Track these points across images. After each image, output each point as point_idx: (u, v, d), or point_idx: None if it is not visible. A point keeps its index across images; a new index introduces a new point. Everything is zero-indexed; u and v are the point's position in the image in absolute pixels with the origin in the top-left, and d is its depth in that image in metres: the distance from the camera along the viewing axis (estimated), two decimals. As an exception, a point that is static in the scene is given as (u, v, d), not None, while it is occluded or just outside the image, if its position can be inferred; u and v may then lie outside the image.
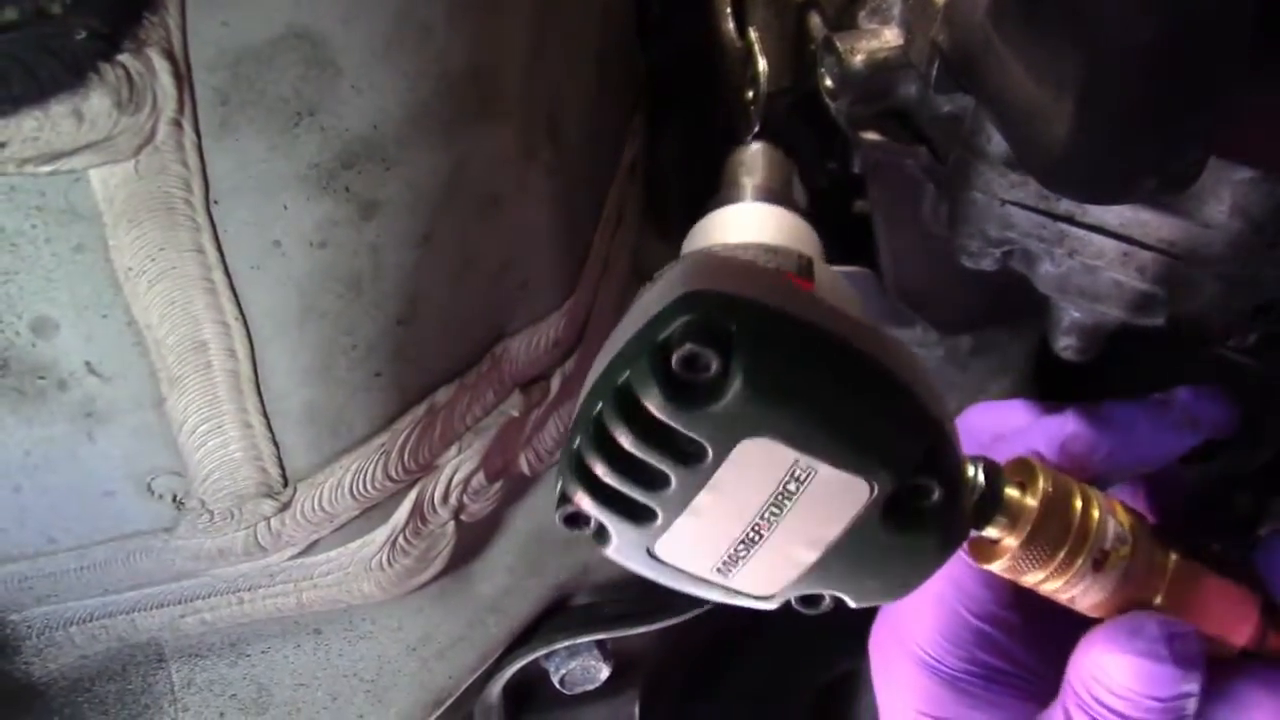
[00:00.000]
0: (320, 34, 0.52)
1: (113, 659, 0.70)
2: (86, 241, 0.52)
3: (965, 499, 0.45)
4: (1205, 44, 0.40)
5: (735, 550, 0.44)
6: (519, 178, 0.65)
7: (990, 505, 0.51)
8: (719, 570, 0.45)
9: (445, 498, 0.71)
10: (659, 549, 0.45)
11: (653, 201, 0.93)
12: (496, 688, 0.78)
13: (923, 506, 0.43)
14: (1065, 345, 0.63)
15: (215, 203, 0.54)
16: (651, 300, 0.43)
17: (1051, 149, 0.46)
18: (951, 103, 0.59)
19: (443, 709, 0.75)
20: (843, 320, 0.42)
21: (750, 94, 0.76)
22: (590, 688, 0.82)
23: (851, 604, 0.47)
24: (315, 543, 0.67)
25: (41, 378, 0.55)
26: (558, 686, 0.81)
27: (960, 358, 0.92)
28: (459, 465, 0.71)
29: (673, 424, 0.40)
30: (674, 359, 0.39)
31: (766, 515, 0.42)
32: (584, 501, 0.43)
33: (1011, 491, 0.52)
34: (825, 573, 0.45)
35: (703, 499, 0.42)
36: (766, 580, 0.45)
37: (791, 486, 0.41)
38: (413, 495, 0.69)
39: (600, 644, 0.79)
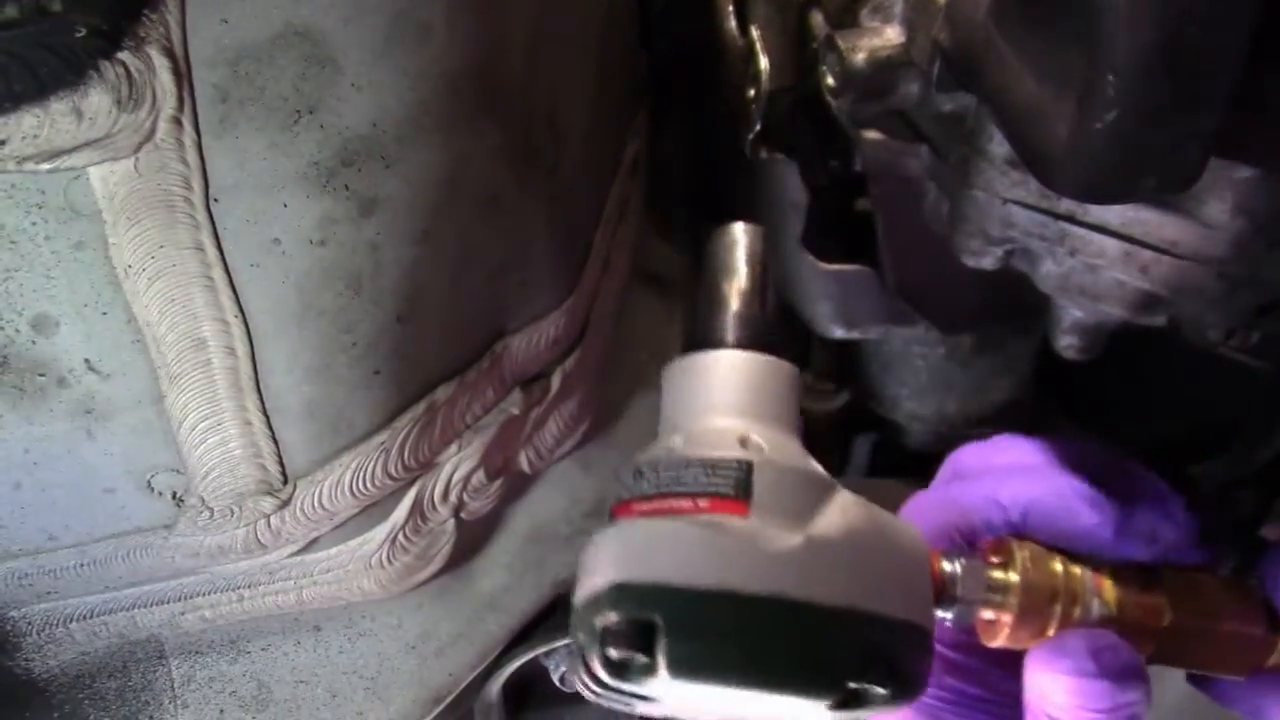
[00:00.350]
0: (320, 32, 0.52)
1: (113, 655, 0.70)
2: (86, 239, 0.52)
3: (915, 666, 0.48)
4: (1207, 43, 0.40)
5: (729, 715, 0.49)
6: (519, 176, 0.65)
7: (973, 602, 0.53)
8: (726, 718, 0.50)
9: (445, 495, 0.71)
10: (667, 712, 0.49)
11: (654, 199, 0.93)
12: (496, 685, 0.78)
13: (870, 695, 0.46)
14: (1067, 344, 0.63)
15: (215, 200, 0.54)
16: (601, 549, 0.47)
17: (1053, 148, 0.45)
18: (953, 101, 0.59)
19: (442, 706, 0.75)
20: (762, 562, 0.45)
21: (751, 92, 0.76)
22: (590, 686, 0.82)
23: None
24: (315, 540, 0.67)
25: (41, 375, 0.55)
26: (557, 684, 0.80)
27: (961, 356, 0.92)
28: (459, 463, 0.71)
29: (622, 688, 0.45)
30: (609, 651, 0.44)
31: (739, 706, 0.47)
32: (593, 684, 0.47)
33: (995, 574, 0.53)
34: None
35: (676, 702, 0.47)
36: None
37: (745, 701, 0.46)
38: (412, 493, 0.69)
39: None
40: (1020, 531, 0.57)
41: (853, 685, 0.45)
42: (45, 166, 0.50)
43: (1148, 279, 0.56)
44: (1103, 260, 0.56)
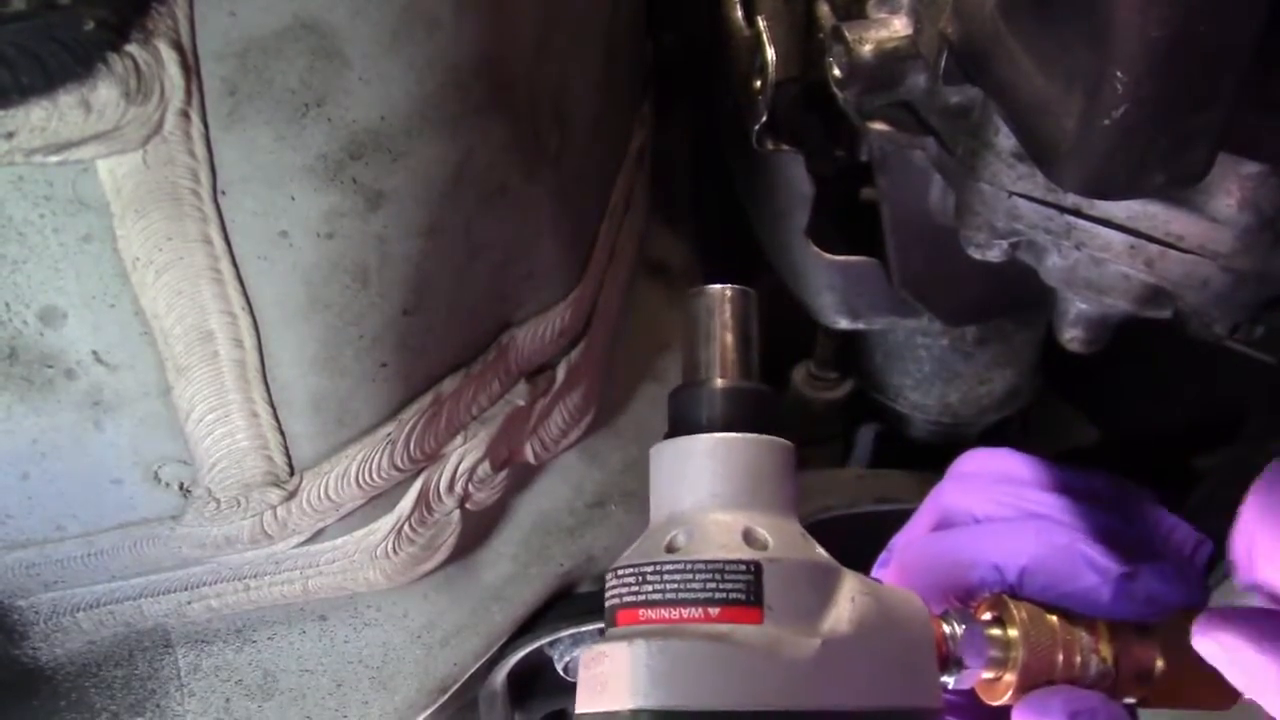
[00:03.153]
0: (328, 25, 0.52)
1: (120, 644, 0.70)
2: (94, 231, 0.53)
3: None
4: (1215, 40, 0.40)
5: None
6: (526, 168, 0.65)
7: (978, 661, 0.53)
8: None
9: (450, 487, 0.71)
10: None
11: (660, 188, 0.93)
12: (501, 675, 0.79)
13: None
14: (1071, 337, 0.63)
15: (222, 193, 0.54)
16: (608, 675, 0.46)
17: (1060, 143, 0.45)
18: (960, 94, 0.59)
19: (447, 696, 0.76)
20: (779, 677, 0.44)
21: (758, 83, 0.76)
22: (594, 675, 0.82)
23: None
24: (321, 531, 0.68)
25: (49, 366, 0.56)
26: (561, 674, 0.81)
27: (965, 348, 0.92)
28: (464, 454, 0.71)
29: None
30: None
31: None
32: None
33: (994, 632, 0.54)
34: None
35: None
36: None
37: None
38: (418, 484, 0.69)
39: (604, 632, 0.79)
40: (1016, 592, 0.57)
41: None
42: (53, 159, 0.50)
43: (1153, 273, 0.56)
44: (1108, 254, 0.56)
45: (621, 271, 0.83)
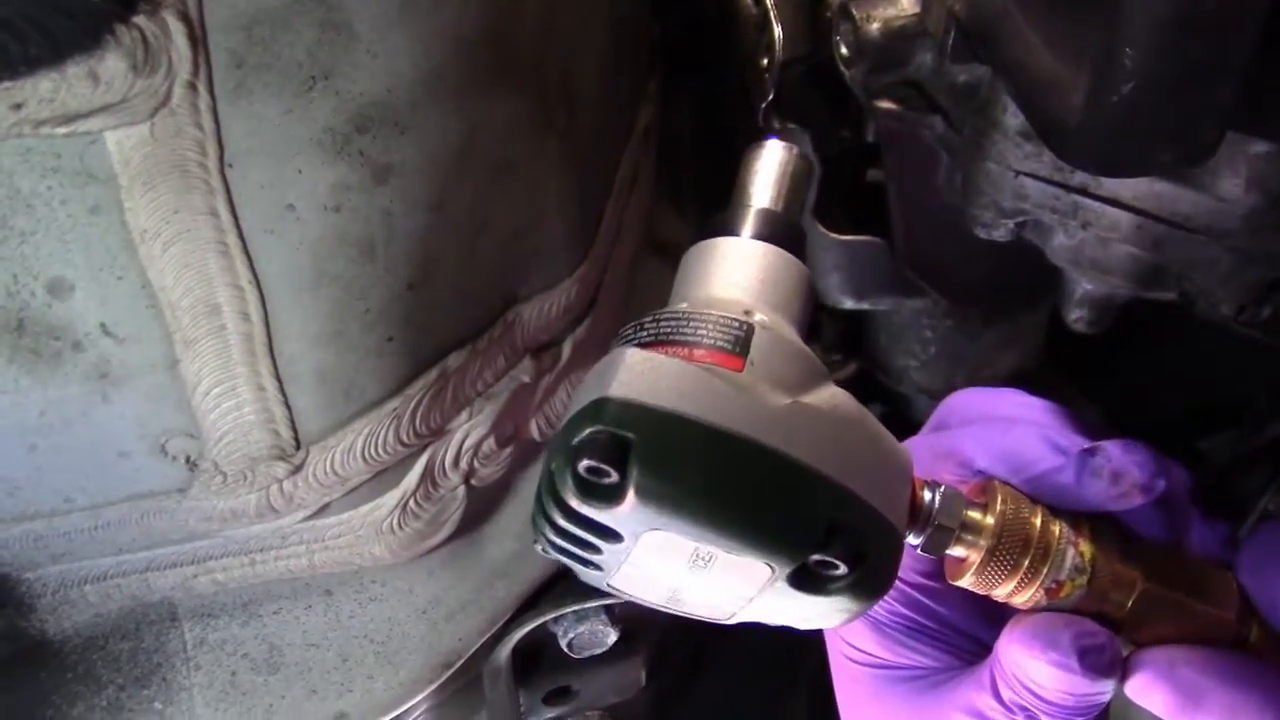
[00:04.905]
0: (335, -3, 0.52)
1: (126, 617, 0.71)
2: (102, 203, 0.53)
3: (881, 560, 0.48)
4: (1225, 16, 0.40)
5: (675, 594, 0.49)
6: (533, 144, 0.65)
7: (946, 530, 0.53)
8: (669, 603, 0.51)
9: (456, 462, 0.71)
10: (614, 584, 0.50)
11: (666, 166, 0.93)
12: (505, 650, 0.79)
13: (830, 576, 0.46)
14: (1077, 317, 0.63)
15: (229, 166, 0.54)
16: (592, 378, 0.48)
17: (1067, 121, 0.45)
18: (967, 72, 0.59)
19: (451, 671, 0.76)
20: (749, 409, 0.46)
21: (765, 61, 0.76)
22: (598, 652, 0.82)
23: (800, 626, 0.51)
24: (327, 505, 0.68)
25: (57, 339, 0.56)
26: (565, 650, 0.81)
27: (970, 328, 0.92)
28: (470, 430, 0.71)
29: (587, 513, 0.44)
30: (580, 465, 0.44)
31: (689, 577, 0.47)
32: (545, 544, 0.48)
33: (972, 513, 0.53)
34: (760, 612, 0.50)
35: (631, 563, 0.47)
36: (711, 610, 0.51)
37: (700, 563, 0.46)
38: (424, 459, 0.70)
39: (608, 609, 0.80)
40: (988, 478, 0.57)
41: (815, 557, 0.46)
42: (61, 130, 0.50)
43: (1160, 253, 0.56)
44: (1115, 234, 0.56)
45: (627, 249, 0.83)
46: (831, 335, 1.02)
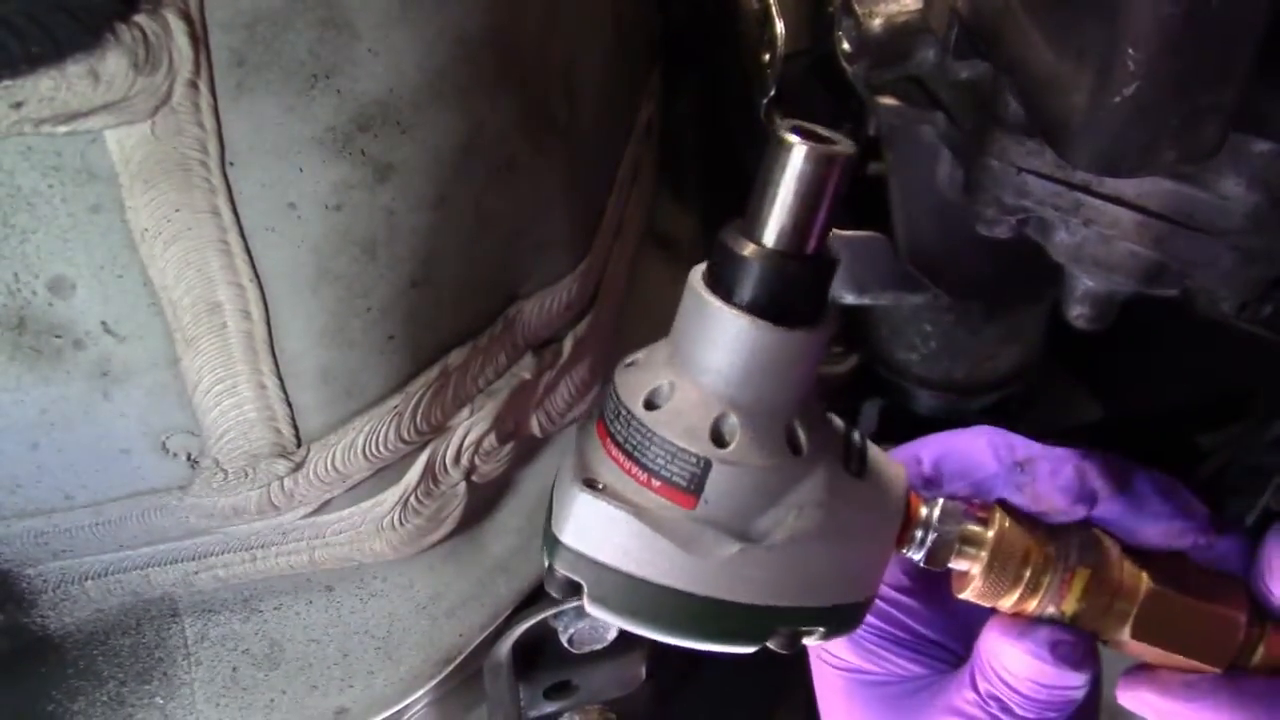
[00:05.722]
0: (337, -4, 0.52)
1: (127, 613, 0.71)
2: (103, 202, 0.53)
3: (839, 625, 0.52)
4: (1229, 16, 0.40)
5: None
6: (534, 141, 0.65)
7: (945, 543, 0.54)
8: None
9: (457, 459, 0.71)
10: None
11: (668, 161, 0.93)
12: (505, 646, 0.79)
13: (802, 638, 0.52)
14: (1078, 314, 0.63)
15: (231, 164, 0.54)
16: (557, 488, 0.51)
17: (1070, 120, 0.45)
18: (969, 69, 0.59)
19: (452, 666, 0.76)
20: (690, 566, 0.48)
21: (766, 56, 0.75)
22: (598, 647, 0.82)
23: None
24: (328, 502, 0.68)
25: (58, 336, 0.56)
26: (566, 645, 0.81)
27: (971, 323, 0.92)
28: (471, 427, 0.71)
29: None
30: (549, 583, 0.50)
31: None
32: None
33: (972, 527, 0.54)
34: None
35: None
36: None
37: None
38: (424, 456, 0.70)
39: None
40: (932, 483, 0.59)
41: (773, 642, 0.50)
42: (62, 129, 0.50)
43: (1161, 250, 0.56)
44: (1116, 231, 0.56)
45: (629, 245, 0.83)
46: (833, 328, 1.02)
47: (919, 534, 0.53)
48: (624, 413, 0.49)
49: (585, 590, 0.49)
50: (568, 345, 0.76)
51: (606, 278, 0.79)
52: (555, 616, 0.80)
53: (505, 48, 0.59)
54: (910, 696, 0.59)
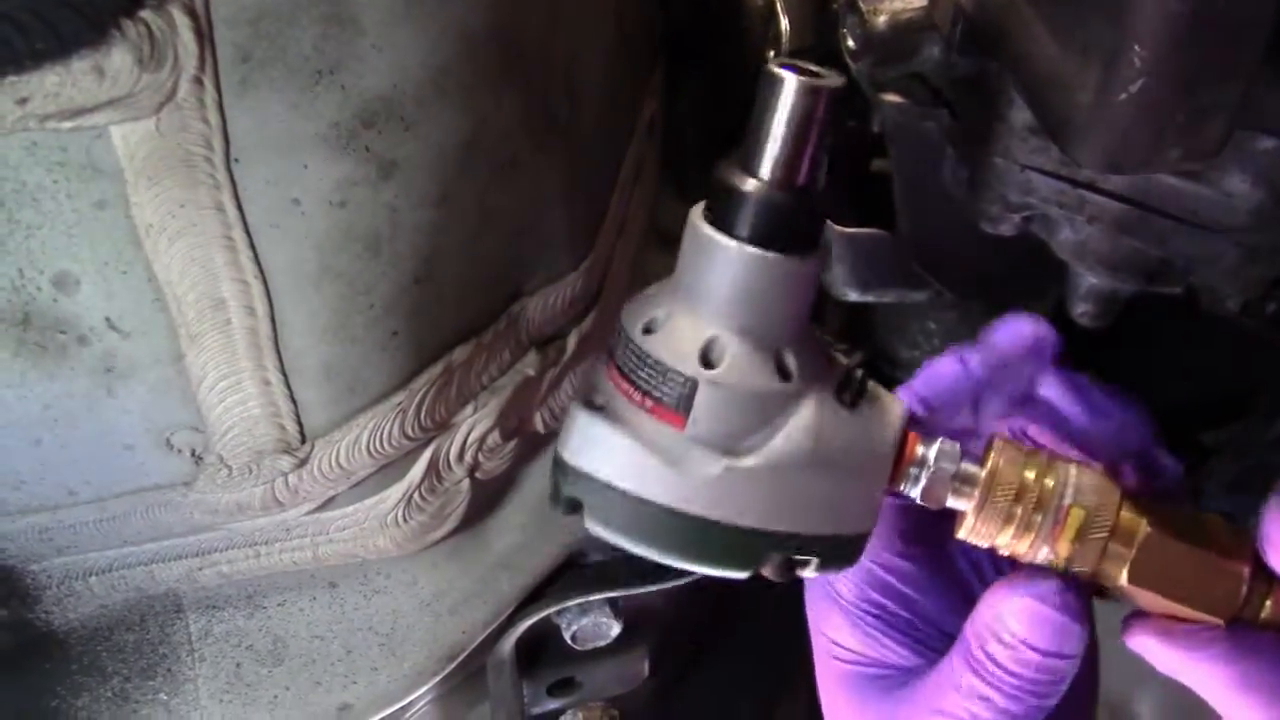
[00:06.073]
0: (341, -8, 0.52)
1: (131, 609, 0.71)
2: (108, 198, 0.53)
3: (834, 556, 0.53)
4: (1234, 15, 0.40)
5: None
6: (537, 138, 0.65)
7: (941, 481, 0.53)
8: None
9: (461, 455, 0.71)
10: None
11: (671, 158, 0.93)
12: (509, 643, 0.79)
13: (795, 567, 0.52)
14: (1082, 311, 0.63)
15: (235, 161, 0.54)
16: (568, 418, 0.52)
17: (1075, 117, 0.45)
18: (974, 66, 0.59)
19: (455, 663, 0.76)
20: (677, 483, 0.50)
21: (771, 53, 0.75)
22: (601, 644, 0.83)
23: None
24: (332, 498, 0.68)
25: (62, 332, 0.56)
26: (569, 642, 0.81)
27: (975, 321, 0.91)
28: (475, 424, 0.71)
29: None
30: (556, 498, 0.52)
31: None
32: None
33: (968, 465, 0.54)
34: None
35: None
36: None
37: None
38: (428, 453, 0.70)
39: (612, 602, 0.80)
40: (924, 402, 0.60)
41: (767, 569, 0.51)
42: (67, 125, 0.50)
43: (1165, 248, 0.56)
44: (1121, 228, 0.56)
45: (632, 242, 0.83)
46: (836, 325, 1.02)
47: (914, 472, 0.53)
48: (624, 337, 0.51)
49: (585, 507, 0.50)
50: (571, 342, 0.76)
51: (610, 275, 0.79)
52: (558, 613, 0.80)
53: (508, 45, 0.59)
54: (907, 688, 0.58)
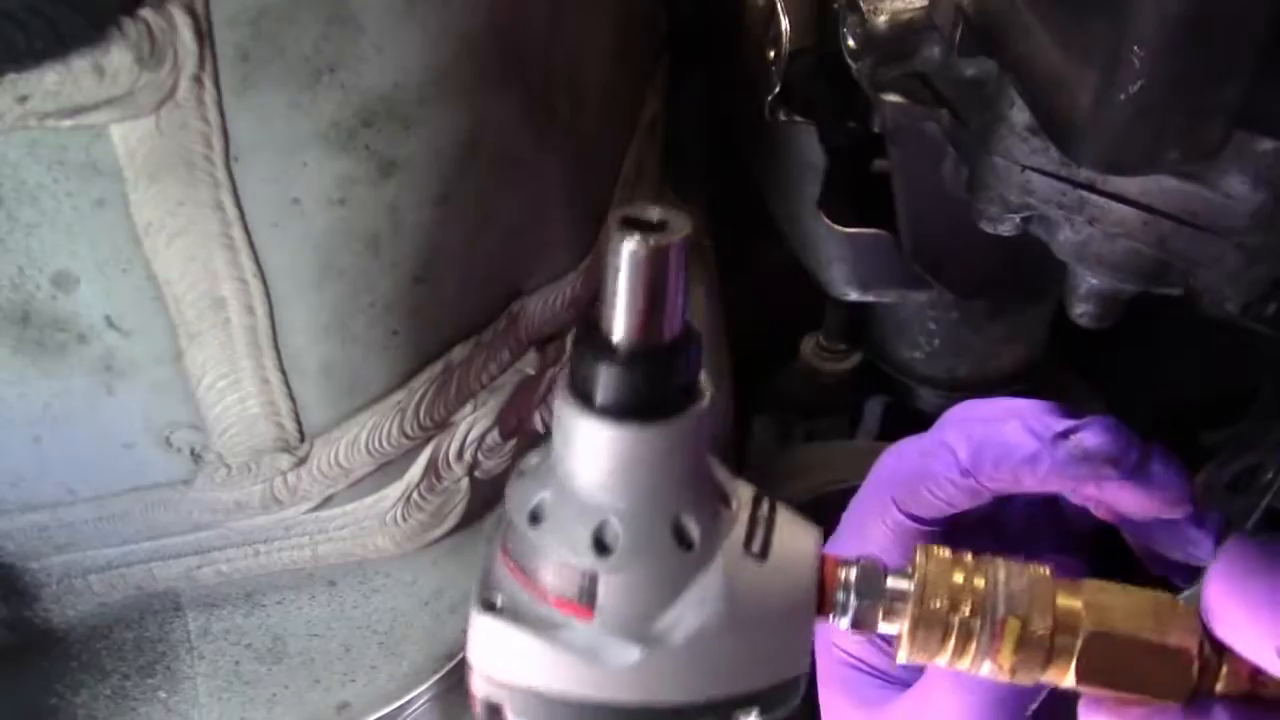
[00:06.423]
0: (342, -9, 0.52)
1: (130, 607, 0.71)
2: (107, 196, 0.53)
3: (775, 704, 0.51)
4: (1234, 16, 0.40)
5: None
6: (538, 138, 0.65)
7: (870, 604, 0.51)
8: None
9: (460, 454, 0.71)
10: None
11: (671, 159, 0.93)
12: (508, 642, 0.79)
13: None
14: (1082, 312, 0.63)
15: (235, 160, 0.54)
16: (471, 622, 0.49)
17: (1075, 118, 0.45)
18: (975, 66, 0.59)
19: (454, 662, 0.76)
20: (595, 678, 0.47)
21: (772, 53, 0.75)
22: (599, 643, 0.82)
23: None
24: (331, 497, 0.68)
25: (62, 331, 0.56)
26: (568, 641, 0.81)
27: (975, 321, 0.92)
28: (474, 423, 0.71)
29: None
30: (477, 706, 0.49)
31: None
32: None
33: (896, 582, 0.51)
34: None
35: None
36: None
37: None
38: (428, 452, 0.70)
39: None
40: (971, 473, 0.57)
41: None
42: (67, 123, 0.50)
43: (1166, 249, 0.56)
44: (1121, 229, 0.56)
45: (632, 241, 0.83)
46: (836, 325, 1.02)
47: (840, 598, 0.50)
48: (512, 526, 0.48)
49: (507, 711, 0.48)
50: (571, 341, 0.76)
51: (610, 274, 0.79)
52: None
53: (509, 44, 0.59)
54: (904, 689, 0.58)
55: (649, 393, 0.45)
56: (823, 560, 0.51)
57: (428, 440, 0.69)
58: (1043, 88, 0.48)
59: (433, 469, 0.70)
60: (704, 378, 0.47)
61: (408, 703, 0.76)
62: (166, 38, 0.49)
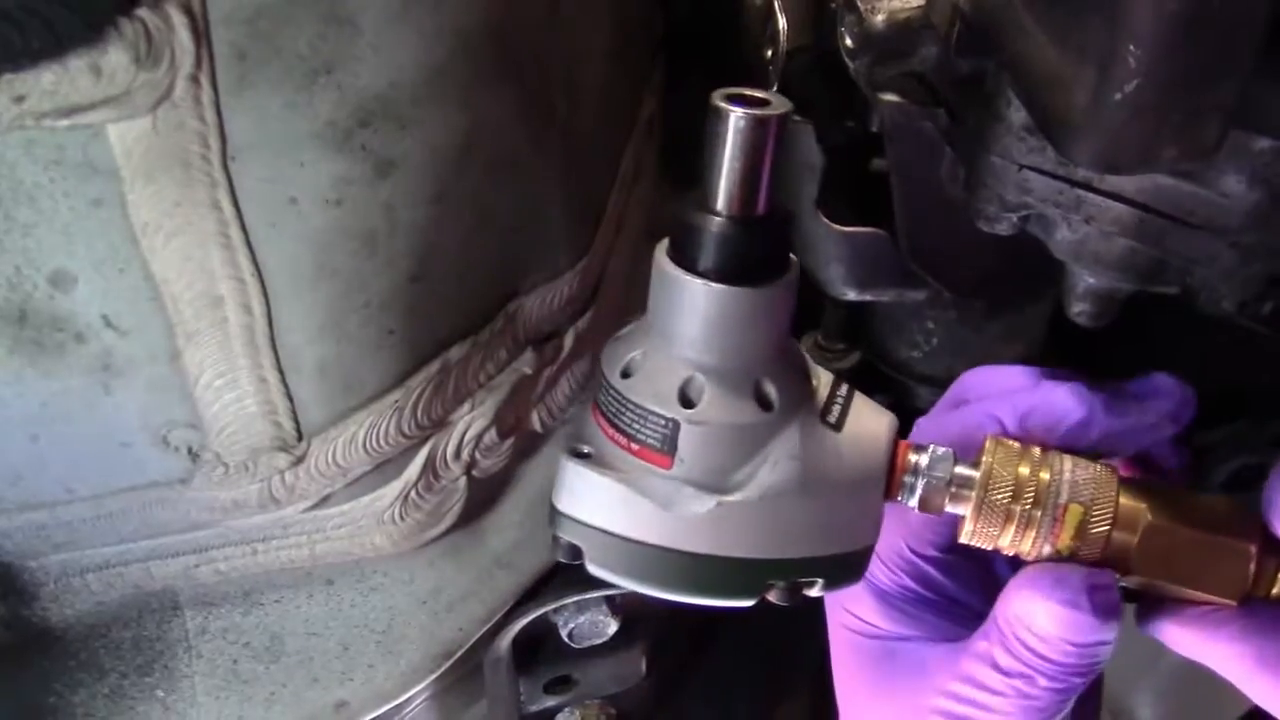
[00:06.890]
0: (338, -10, 0.52)
1: (128, 606, 0.71)
2: (104, 196, 0.53)
3: (839, 576, 0.53)
4: (1229, 14, 0.40)
5: None
6: (534, 137, 0.65)
7: (938, 488, 0.53)
8: None
9: (457, 454, 0.72)
10: None
11: (668, 159, 0.93)
12: (505, 641, 0.79)
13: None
14: (1079, 311, 0.63)
15: (232, 159, 0.54)
16: (560, 468, 0.52)
17: (1072, 117, 0.45)
18: (972, 66, 0.59)
19: (452, 661, 0.76)
20: (670, 523, 0.50)
21: (769, 52, 0.75)
22: (598, 642, 0.83)
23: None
24: (328, 496, 0.68)
25: (59, 330, 0.56)
26: (566, 640, 0.81)
27: (973, 320, 0.92)
28: (471, 422, 0.71)
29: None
30: (556, 548, 0.53)
31: None
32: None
33: (963, 469, 0.54)
34: None
35: None
36: None
37: None
38: (425, 451, 0.70)
39: (609, 599, 0.80)
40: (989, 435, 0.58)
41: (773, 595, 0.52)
42: (63, 123, 0.50)
43: (1162, 248, 0.56)
44: (1117, 228, 0.56)
45: (629, 240, 0.83)
46: (834, 324, 1.02)
47: (909, 481, 0.53)
48: (604, 381, 0.51)
49: (585, 553, 0.51)
50: (568, 340, 0.76)
51: (608, 273, 0.79)
52: (555, 611, 0.80)
53: (505, 44, 0.59)
54: (932, 658, 0.57)
55: (746, 258, 0.49)
56: (896, 444, 0.54)
57: (425, 439, 0.69)
58: (1039, 87, 0.48)
59: (430, 468, 0.71)
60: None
61: (405, 701, 0.76)
62: (163, 37, 0.49)
